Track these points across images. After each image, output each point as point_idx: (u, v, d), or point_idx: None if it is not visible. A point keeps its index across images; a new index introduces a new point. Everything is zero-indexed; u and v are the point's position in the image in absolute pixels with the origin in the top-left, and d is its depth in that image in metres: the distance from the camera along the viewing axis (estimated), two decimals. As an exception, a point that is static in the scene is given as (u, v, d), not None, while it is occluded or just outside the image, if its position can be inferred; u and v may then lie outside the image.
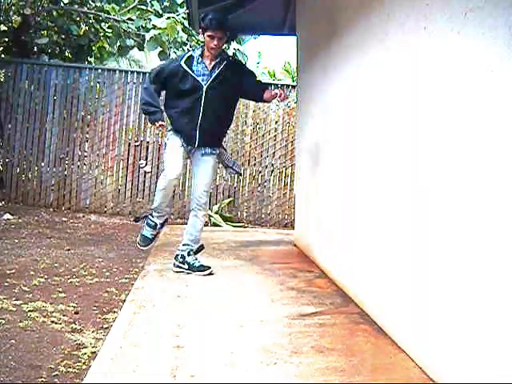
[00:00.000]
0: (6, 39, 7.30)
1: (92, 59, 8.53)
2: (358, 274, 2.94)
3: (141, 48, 7.46)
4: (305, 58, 4.63)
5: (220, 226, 6.42)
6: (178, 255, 3.46)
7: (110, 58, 9.81)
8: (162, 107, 3.53)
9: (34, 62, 7.06)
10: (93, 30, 7.60)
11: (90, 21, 7.51)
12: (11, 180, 6.86)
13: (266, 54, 14.21)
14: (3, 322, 2.56)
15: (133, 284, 3.24)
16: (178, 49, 7.28)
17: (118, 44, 7.46)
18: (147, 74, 3.59)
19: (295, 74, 6.24)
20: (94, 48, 8.33)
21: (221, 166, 3.82)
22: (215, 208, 6.83)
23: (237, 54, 7.22)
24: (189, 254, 3.44)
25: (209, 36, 3.33)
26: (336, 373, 1.97)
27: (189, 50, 4.22)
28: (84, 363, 2.18)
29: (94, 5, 7.42)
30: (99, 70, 7.19)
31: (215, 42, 3.33)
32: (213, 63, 3.40)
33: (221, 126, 3.51)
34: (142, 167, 7.03)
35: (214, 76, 3.38)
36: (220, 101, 3.39)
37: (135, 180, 7.05)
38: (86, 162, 7.04)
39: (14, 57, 7.04)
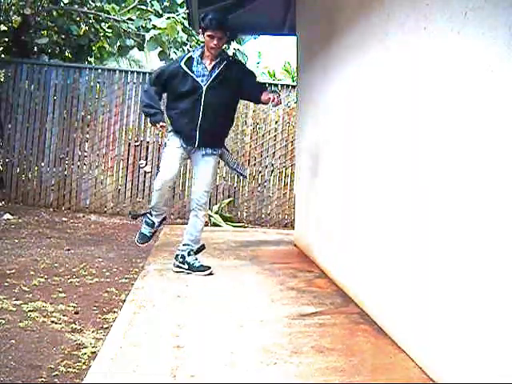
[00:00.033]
0: (6, 39, 7.31)
1: (92, 59, 8.54)
2: (357, 274, 2.94)
3: (141, 48, 7.46)
4: (305, 58, 4.64)
5: (220, 225, 6.42)
6: (178, 255, 3.46)
7: (110, 58, 9.81)
8: (163, 108, 3.55)
9: (34, 62, 7.06)
10: (93, 30, 7.60)
11: (90, 21, 7.52)
12: (11, 180, 6.86)
13: (266, 54, 14.22)
14: (3, 322, 2.56)
15: (133, 284, 3.24)
16: (177, 49, 7.28)
17: (118, 44, 7.46)
18: (147, 75, 3.61)
19: (295, 74, 6.24)
20: (94, 48, 8.33)
21: (222, 166, 3.83)
22: (215, 208, 6.83)
23: (237, 54, 7.23)
24: (189, 254, 3.44)
25: (209, 36, 3.34)
26: (336, 373, 1.97)
27: (189, 51, 4.22)
28: (84, 363, 2.18)
29: (94, 5, 7.43)
30: (99, 70, 7.19)
31: (215, 42, 3.34)
32: (213, 63, 3.41)
33: (221, 127, 3.51)
34: (142, 167, 7.03)
35: (213, 76, 3.38)
36: (220, 101, 3.39)
37: (135, 180, 7.05)
38: (86, 162, 7.04)
39: (14, 57, 7.04)
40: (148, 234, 3.66)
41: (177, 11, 7.58)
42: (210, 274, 3.40)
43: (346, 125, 3.29)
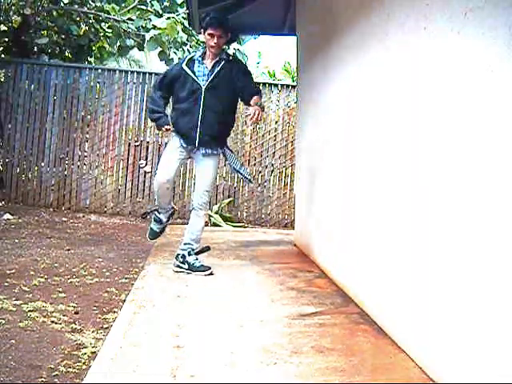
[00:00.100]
0: (6, 39, 7.31)
1: (92, 59, 8.54)
2: (358, 274, 2.94)
3: (141, 48, 7.46)
4: (305, 58, 4.64)
5: (220, 225, 6.42)
6: (178, 255, 3.47)
7: (110, 58, 9.81)
8: (169, 111, 3.60)
9: (34, 62, 7.06)
10: (93, 29, 7.60)
11: (90, 21, 7.52)
12: (11, 180, 6.87)
13: (266, 54, 14.21)
14: (3, 322, 2.57)
15: (133, 284, 3.24)
16: (177, 49, 7.29)
17: (118, 44, 7.46)
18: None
19: (295, 74, 6.24)
20: (94, 48, 8.33)
21: (221, 166, 3.81)
22: (215, 208, 6.83)
23: (237, 54, 7.23)
24: (189, 254, 3.44)
25: (209, 34, 3.38)
26: (336, 373, 1.97)
27: (189, 52, 4.26)
28: (84, 363, 2.19)
29: (94, 5, 7.43)
30: (99, 70, 7.19)
31: (215, 41, 3.37)
32: (212, 63, 3.43)
33: (221, 126, 3.50)
34: (142, 167, 7.03)
35: (212, 76, 3.40)
36: (219, 100, 3.41)
37: (135, 180, 7.05)
38: (86, 162, 7.04)
39: (14, 57, 7.04)
40: (157, 230, 3.80)
41: (177, 11, 7.58)
42: (210, 274, 3.40)
43: (346, 125, 3.29)
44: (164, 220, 3.75)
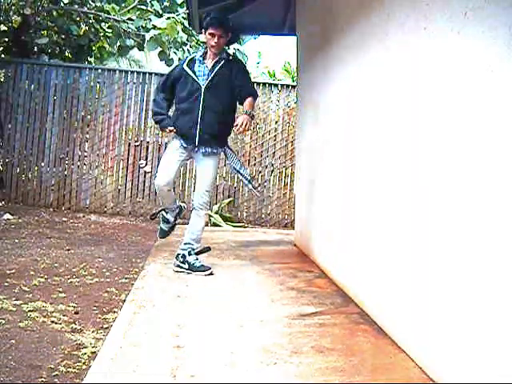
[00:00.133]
0: (6, 39, 7.31)
1: (92, 59, 8.54)
2: (358, 274, 2.94)
3: (141, 48, 7.46)
4: (305, 58, 4.64)
5: (220, 225, 6.42)
6: (178, 254, 3.47)
7: (110, 58, 9.82)
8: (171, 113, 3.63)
9: (34, 62, 7.06)
10: (93, 29, 7.60)
11: (90, 21, 7.52)
12: (11, 180, 6.87)
13: (266, 54, 14.21)
14: (3, 322, 2.57)
15: (133, 284, 3.24)
16: (177, 49, 7.29)
17: (118, 44, 7.46)
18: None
19: (295, 74, 6.24)
20: (94, 48, 8.33)
21: (221, 166, 3.80)
22: (215, 208, 6.83)
23: (237, 54, 7.23)
24: (189, 254, 3.44)
25: (210, 34, 3.41)
26: (336, 373, 1.97)
27: (189, 53, 4.28)
28: (84, 363, 2.19)
29: (94, 5, 7.43)
30: (99, 70, 7.19)
31: (216, 40, 3.40)
32: (212, 62, 3.46)
33: (221, 125, 3.50)
34: (142, 167, 7.03)
35: (212, 75, 3.42)
36: (218, 99, 3.42)
37: (135, 180, 7.05)
38: (86, 162, 7.04)
39: (14, 57, 7.04)
40: (166, 229, 3.83)
41: (177, 11, 7.59)
42: (210, 274, 3.40)
43: (346, 125, 3.29)
44: (171, 219, 3.76)
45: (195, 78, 3.43)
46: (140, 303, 2.71)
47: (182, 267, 3.43)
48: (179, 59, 7.28)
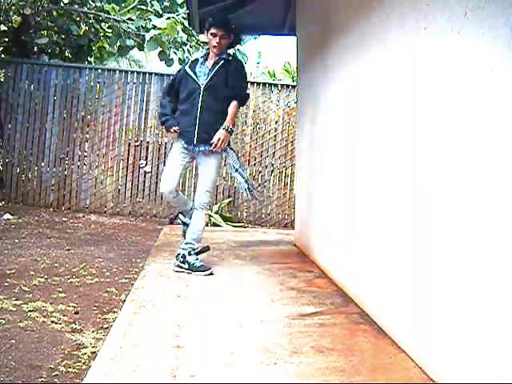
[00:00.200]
0: (6, 39, 7.31)
1: (92, 59, 8.54)
2: (358, 274, 2.94)
3: (141, 48, 7.46)
4: (305, 58, 4.64)
5: (220, 225, 6.42)
6: (179, 254, 3.47)
7: (110, 58, 9.81)
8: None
9: (34, 62, 7.06)
10: (93, 29, 7.60)
11: (90, 21, 7.52)
12: (11, 180, 6.87)
13: (266, 54, 14.20)
14: (3, 322, 2.57)
15: (133, 284, 3.24)
16: (177, 49, 7.29)
17: (118, 44, 7.46)
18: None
19: (295, 74, 6.24)
20: (94, 48, 8.34)
21: (221, 166, 3.79)
22: (215, 208, 6.84)
23: (237, 54, 7.23)
24: (190, 254, 3.44)
25: (211, 34, 3.45)
26: (336, 373, 1.97)
27: (189, 53, 4.32)
28: (84, 363, 2.19)
29: (94, 5, 7.43)
30: (99, 70, 7.19)
31: (217, 40, 3.43)
32: (212, 63, 3.49)
33: (219, 124, 3.50)
34: (142, 167, 7.03)
35: (211, 75, 3.45)
36: (216, 99, 3.44)
37: (135, 180, 7.05)
38: (86, 162, 7.04)
39: (14, 57, 7.05)
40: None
41: (177, 11, 7.58)
42: (210, 274, 3.40)
43: (346, 125, 3.29)
44: (185, 220, 3.76)
45: (195, 78, 3.47)
46: (140, 303, 2.71)
47: (182, 267, 3.43)
48: (179, 59, 7.29)
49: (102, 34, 7.86)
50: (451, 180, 1.89)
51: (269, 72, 12.42)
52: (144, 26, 7.14)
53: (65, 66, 7.08)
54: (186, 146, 3.50)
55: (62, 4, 7.61)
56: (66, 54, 7.88)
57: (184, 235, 3.83)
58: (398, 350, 2.23)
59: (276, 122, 7.23)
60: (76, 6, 7.41)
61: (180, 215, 3.75)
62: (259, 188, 7.14)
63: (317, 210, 4.02)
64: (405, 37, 2.34)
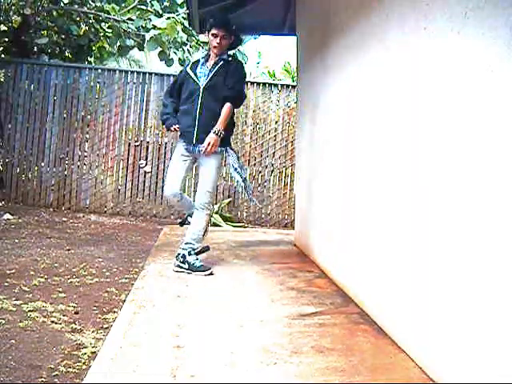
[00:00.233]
0: (6, 39, 7.31)
1: (92, 59, 8.54)
2: (358, 274, 2.94)
3: (141, 48, 7.46)
4: (305, 58, 4.64)
5: (220, 225, 6.42)
6: (179, 254, 3.47)
7: (110, 58, 9.82)
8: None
9: (34, 62, 7.06)
10: (93, 30, 7.60)
11: (90, 21, 7.52)
12: (11, 180, 6.87)
13: (266, 54, 14.21)
14: (3, 322, 2.57)
15: (133, 284, 3.24)
16: (177, 49, 7.29)
17: (118, 44, 7.46)
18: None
19: (295, 74, 6.24)
20: (94, 48, 8.33)
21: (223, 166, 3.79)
22: (215, 208, 6.83)
23: (237, 54, 7.23)
24: (189, 254, 3.44)
25: (212, 34, 3.48)
26: (336, 373, 1.97)
27: (189, 53, 4.37)
28: (84, 363, 2.19)
29: (94, 5, 7.42)
30: (99, 70, 7.19)
31: (218, 41, 3.46)
32: (212, 63, 3.52)
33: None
34: (142, 167, 7.03)
35: (210, 76, 3.47)
36: (216, 99, 3.45)
37: (135, 180, 7.05)
38: (86, 162, 7.04)
39: (14, 57, 7.04)
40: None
41: (177, 11, 7.58)
42: (210, 274, 3.40)
43: (346, 125, 3.29)
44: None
45: (195, 79, 3.50)
46: (140, 303, 2.71)
47: (182, 267, 3.43)
48: (179, 59, 7.29)
49: (102, 34, 7.86)
50: (451, 180, 1.89)
51: (269, 72, 12.43)
52: (144, 26, 7.14)
53: (65, 66, 7.08)
54: (186, 146, 3.52)
55: (61, 4, 7.61)
56: (66, 54, 7.88)
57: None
58: (398, 350, 2.23)
59: (276, 122, 7.23)
60: (76, 6, 7.41)
61: (189, 218, 3.78)
62: (259, 188, 7.14)
63: (317, 210, 4.02)
64: (405, 37, 2.34)
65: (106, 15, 7.33)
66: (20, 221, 5.72)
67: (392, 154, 2.48)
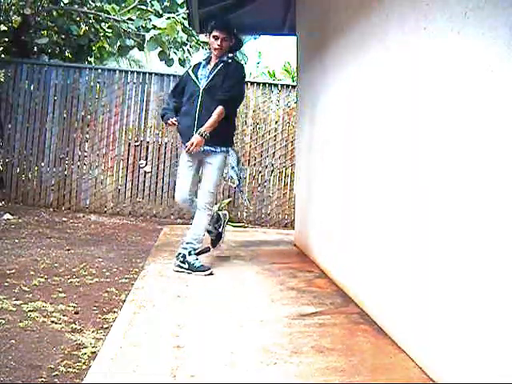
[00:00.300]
0: (6, 39, 7.30)
1: (92, 59, 8.53)
2: (358, 274, 2.94)
3: (141, 48, 7.46)
4: (305, 58, 4.64)
5: (220, 225, 6.41)
6: (179, 254, 3.47)
7: (110, 58, 9.81)
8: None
9: (34, 62, 7.05)
10: (93, 29, 7.60)
11: (90, 21, 7.51)
12: (11, 180, 6.86)
13: (266, 54, 14.22)
14: (3, 321, 2.56)
15: (133, 284, 3.24)
16: (177, 49, 7.29)
17: (118, 44, 7.46)
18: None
19: (295, 74, 6.24)
20: (94, 48, 8.33)
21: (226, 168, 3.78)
22: (215, 208, 6.82)
23: (237, 56, 7.23)
24: (190, 254, 3.44)
25: (214, 36, 3.51)
26: (336, 373, 1.97)
27: (189, 53, 4.44)
28: (84, 363, 2.18)
29: (94, 5, 7.42)
30: (99, 70, 7.19)
31: (219, 43, 3.49)
32: (213, 65, 3.56)
33: (219, 125, 3.50)
34: (142, 167, 7.03)
35: (210, 77, 3.51)
36: (214, 100, 3.46)
37: (135, 180, 7.05)
38: (86, 162, 7.04)
39: (14, 57, 7.04)
40: (213, 238, 3.94)
41: (177, 11, 7.58)
42: (210, 274, 3.41)
43: (346, 125, 3.29)
44: (211, 229, 3.84)
45: (196, 80, 3.54)
46: (140, 303, 2.71)
47: (182, 267, 3.43)
48: (179, 59, 7.30)
49: (102, 34, 7.86)
50: (451, 180, 1.89)
51: (269, 72, 12.43)
52: (144, 25, 7.14)
53: (65, 66, 7.07)
54: (187, 149, 3.54)
55: (61, 4, 7.60)
56: (66, 54, 7.88)
57: (212, 244, 3.92)
58: (398, 350, 2.23)
59: (276, 122, 7.23)
60: (76, 6, 7.41)
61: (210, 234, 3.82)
62: (259, 188, 7.14)
63: (317, 210, 4.02)
64: (405, 37, 2.34)
65: (106, 15, 7.33)
66: (20, 221, 5.72)
67: (392, 154, 2.48)
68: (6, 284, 3.24)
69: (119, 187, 7.03)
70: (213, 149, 3.51)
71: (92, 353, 2.27)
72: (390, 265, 2.45)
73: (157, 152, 7.01)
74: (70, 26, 7.42)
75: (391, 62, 2.50)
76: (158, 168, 7.00)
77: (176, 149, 6.88)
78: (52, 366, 2.13)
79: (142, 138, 7.06)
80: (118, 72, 7.14)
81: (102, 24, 7.70)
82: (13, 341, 2.34)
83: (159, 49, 6.95)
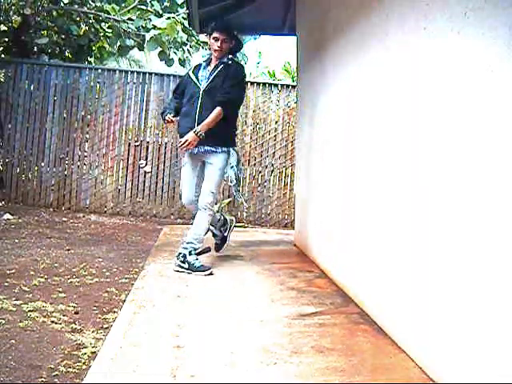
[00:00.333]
0: (6, 39, 7.30)
1: (92, 59, 8.53)
2: (358, 274, 2.94)
3: (141, 48, 7.46)
4: (305, 58, 4.64)
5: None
6: (180, 253, 3.47)
7: (110, 58, 9.81)
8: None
9: (34, 62, 7.05)
10: (93, 29, 7.60)
11: (90, 21, 7.51)
12: (11, 180, 6.86)
13: (266, 54, 14.23)
14: (3, 321, 2.56)
15: (133, 284, 3.24)
16: (177, 49, 7.29)
17: (118, 44, 7.46)
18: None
19: (295, 74, 6.24)
20: (94, 48, 8.33)
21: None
22: (215, 208, 6.82)
23: (237, 55, 7.23)
24: (190, 254, 3.45)
25: (214, 38, 3.53)
26: (336, 373, 1.97)
27: (189, 53, 4.48)
28: (84, 363, 2.18)
29: (94, 5, 7.42)
30: (99, 70, 7.19)
31: (219, 44, 3.51)
32: (213, 66, 3.58)
33: (218, 126, 3.49)
34: (142, 167, 7.03)
35: (210, 78, 3.52)
36: (214, 102, 3.47)
37: (135, 180, 7.05)
38: (86, 162, 7.04)
39: (14, 57, 7.04)
40: (218, 242, 3.99)
41: (177, 11, 7.58)
42: (210, 274, 3.41)
43: (346, 125, 3.29)
44: (217, 232, 3.88)
45: (196, 82, 3.56)
46: (140, 303, 2.71)
47: (182, 267, 3.43)
48: (179, 59, 7.29)
49: (102, 34, 7.86)
50: (451, 180, 1.89)
51: (269, 72, 12.44)
52: (144, 25, 7.14)
53: (65, 66, 7.07)
54: (188, 151, 3.54)
55: (61, 4, 7.60)
56: (66, 54, 7.88)
57: (216, 248, 3.94)
58: (398, 350, 2.24)
59: (276, 122, 7.23)
60: (76, 6, 7.41)
61: (210, 226, 3.81)
62: (259, 188, 7.14)
63: (317, 209, 4.02)
64: (405, 37, 2.34)
65: (106, 15, 7.33)
66: (20, 221, 5.72)
67: (392, 154, 2.48)
68: (6, 284, 3.24)
69: (119, 187, 7.03)
70: (213, 149, 3.52)
71: (92, 353, 2.27)
72: (389, 265, 2.45)
73: (157, 152, 7.01)
74: (70, 26, 7.42)
75: (391, 61, 2.50)
76: (157, 168, 7.00)
77: (176, 149, 6.87)
78: (52, 366, 2.13)
79: (142, 138, 7.06)
80: (118, 72, 7.13)
81: (102, 24, 7.70)
82: (13, 341, 2.35)
83: (159, 49, 6.95)
